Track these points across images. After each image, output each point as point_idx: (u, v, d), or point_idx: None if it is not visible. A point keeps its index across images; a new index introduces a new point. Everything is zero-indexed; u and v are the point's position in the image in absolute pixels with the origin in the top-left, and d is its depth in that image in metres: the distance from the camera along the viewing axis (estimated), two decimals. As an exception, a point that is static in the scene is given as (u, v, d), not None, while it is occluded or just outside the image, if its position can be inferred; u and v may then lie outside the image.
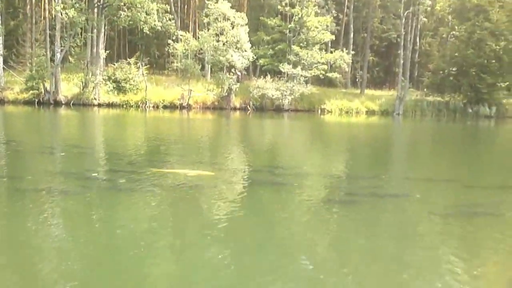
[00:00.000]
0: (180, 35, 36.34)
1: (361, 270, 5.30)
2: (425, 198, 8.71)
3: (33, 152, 12.32)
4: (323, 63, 39.16)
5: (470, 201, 8.62)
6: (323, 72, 39.26)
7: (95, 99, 32.98)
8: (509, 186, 10.30)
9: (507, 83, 41.84)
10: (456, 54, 43.65)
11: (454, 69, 43.77)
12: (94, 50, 34.98)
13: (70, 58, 39.06)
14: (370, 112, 39.72)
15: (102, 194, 8.02)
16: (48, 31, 35.09)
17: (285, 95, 36.38)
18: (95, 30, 34.94)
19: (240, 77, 36.33)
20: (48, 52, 33.89)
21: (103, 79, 33.86)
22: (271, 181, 9.37)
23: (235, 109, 35.93)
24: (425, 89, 45.77)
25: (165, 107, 34.25)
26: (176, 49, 35.14)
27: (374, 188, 9.08)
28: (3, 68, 33.72)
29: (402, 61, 42.75)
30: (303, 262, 5.40)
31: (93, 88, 32.96)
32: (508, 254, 6.01)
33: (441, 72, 44.56)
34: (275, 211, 7.55)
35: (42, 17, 40.33)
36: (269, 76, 37.73)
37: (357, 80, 51.85)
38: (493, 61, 42.08)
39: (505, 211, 7.90)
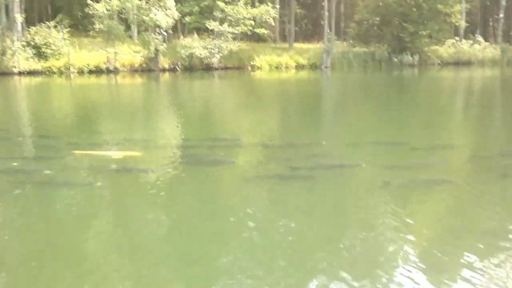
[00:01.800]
0: (101, -5, 34.83)
1: (309, 248, 5.31)
2: (372, 165, 8.50)
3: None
4: (249, 19, 38.82)
5: (420, 167, 8.40)
6: (251, 28, 39.01)
7: (14, 67, 31.39)
8: (451, 145, 10.47)
9: (428, 31, 43.19)
10: (380, 4, 44.44)
11: (377, 19, 44.65)
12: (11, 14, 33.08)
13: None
14: (299, 66, 40.05)
15: (26, 190, 7.32)
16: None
17: (213, 53, 35.99)
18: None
19: (166, 36, 35.50)
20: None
21: (22, 45, 32.12)
22: (205, 158, 9.05)
23: (164, 70, 35.25)
24: (350, 41, 46.54)
25: (90, 72, 33.04)
26: (97, 10, 33.66)
27: (316, 158, 8.86)
28: None
29: (327, 13, 43.07)
30: (250, 241, 5.48)
31: (12, 55, 31.31)
32: (465, 222, 6.10)
33: (365, 22, 45.35)
34: (213, 192, 7.35)
35: None
36: (196, 34, 37.13)
37: (286, 34, 51.90)
38: (414, 9, 43.18)
39: (455, 176, 7.85)
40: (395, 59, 42.86)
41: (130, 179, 7.89)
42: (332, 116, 16.23)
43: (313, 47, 44.82)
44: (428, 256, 5.05)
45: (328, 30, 42.79)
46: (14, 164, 8.72)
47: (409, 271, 4.70)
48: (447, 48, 47.01)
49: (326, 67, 39.89)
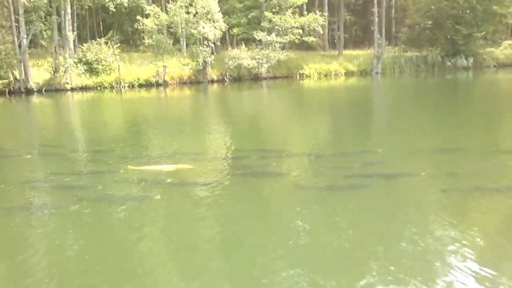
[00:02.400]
0: (149, 10, 35.40)
1: (361, 259, 5.04)
2: (432, 174, 7.98)
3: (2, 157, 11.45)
4: (297, 28, 38.43)
5: (483, 174, 7.88)
6: (299, 37, 38.60)
7: (67, 83, 32.11)
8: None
9: (483, 32, 41.56)
10: (432, 7, 43.16)
11: (429, 22, 43.38)
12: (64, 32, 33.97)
13: (43, 42, 37.88)
14: (348, 73, 39.34)
15: (81, 205, 7.12)
16: (13, 17, 33.79)
17: (261, 63, 35.79)
18: (62, 12, 33.80)
19: (214, 48, 35.58)
20: (16, 39, 32.63)
21: (74, 62, 32.91)
22: (257, 170, 8.66)
23: (212, 81, 35.31)
24: (402, 45, 45.37)
25: (140, 85, 33.46)
26: (146, 25, 34.17)
27: (373, 166, 8.51)
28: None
29: (376, 19, 42.10)
30: (300, 252, 5.28)
31: (64, 72, 32.08)
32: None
33: (417, 26, 44.13)
34: (265, 203, 7.08)
35: (6, 2, 38.82)
36: (244, 45, 37.08)
37: (335, 41, 51.22)
38: (468, 11, 41.71)
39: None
40: (449, 63, 41.48)
41: (183, 192, 7.68)
42: (385, 123, 15.51)
43: (363, 53, 43.99)
44: (486, 267, 4.72)
45: (378, 36, 41.81)
46: (68, 179, 8.63)
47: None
48: (504, 50, 45.15)
49: (376, 73, 38.98)
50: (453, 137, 11.66)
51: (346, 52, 45.19)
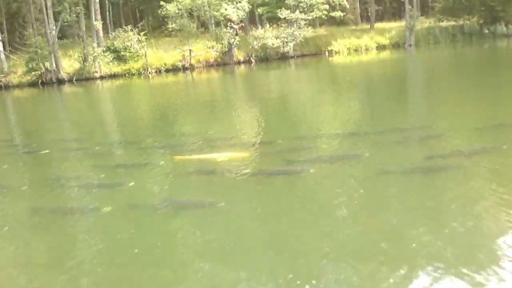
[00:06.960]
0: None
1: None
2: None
3: (22, 153, 10.97)
4: (323, 3, 37.11)
5: None
6: (325, 12, 37.34)
7: (96, 72, 32.23)
8: None
9: (524, -4, 39.38)
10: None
11: (465, -11, 41.33)
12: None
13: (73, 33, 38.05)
14: (380, 47, 37.93)
15: (126, 208, 6.24)
16: (44, 9, 33.56)
17: (286, 42, 34.92)
18: (92, 1, 33.73)
19: (237, 30, 34.90)
20: (48, 31, 32.40)
21: (102, 50, 32.89)
22: (318, 154, 7.80)
23: (239, 63, 34.77)
24: (437, 15, 43.44)
25: (167, 70, 33.46)
26: (169, 10, 33.77)
27: (444, 143, 7.72)
28: (4, 53, 33.36)
29: (407, -12, 40.38)
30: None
31: (93, 61, 31.98)
32: None
33: (452, -6, 42.11)
34: (345, 190, 6.20)
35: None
36: (268, 24, 36.29)
37: (369, 14, 49.42)
38: (506, -25, 39.56)
39: None
40: (487, 31, 39.52)
41: (244, 184, 6.75)
42: (428, 97, 14.37)
43: (396, 25, 42.28)
44: None
45: (410, 6, 40.03)
46: (102, 176, 7.94)
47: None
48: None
49: (410, 45, 37.48)
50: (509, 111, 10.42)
51: (379, 25, 43.49)
